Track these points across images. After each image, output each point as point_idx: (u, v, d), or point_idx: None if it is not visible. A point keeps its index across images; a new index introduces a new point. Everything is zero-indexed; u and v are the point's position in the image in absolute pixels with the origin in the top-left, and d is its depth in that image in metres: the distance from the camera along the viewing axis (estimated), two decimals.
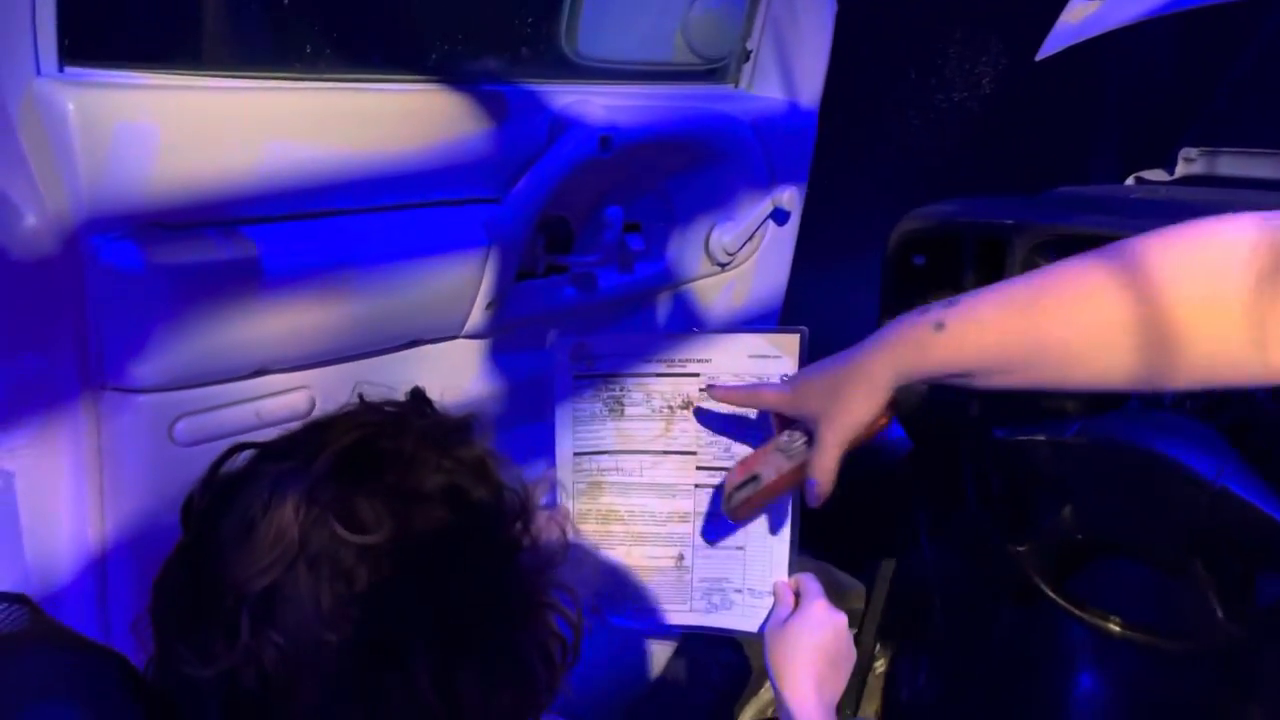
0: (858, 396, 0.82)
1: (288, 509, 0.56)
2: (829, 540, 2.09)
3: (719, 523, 1.01)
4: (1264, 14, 2.32)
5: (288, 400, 0.98)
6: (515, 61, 1.17)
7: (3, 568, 0.92)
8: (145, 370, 0.87)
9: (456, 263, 1.05)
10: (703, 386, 0.99)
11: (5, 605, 0.62)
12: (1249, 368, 0.65)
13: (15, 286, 0.82)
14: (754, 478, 0.92)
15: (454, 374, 1.13)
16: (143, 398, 0.88)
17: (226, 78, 0.91)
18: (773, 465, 0.91)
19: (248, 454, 0.64)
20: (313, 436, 0.62)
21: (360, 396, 0.67)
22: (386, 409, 0.65)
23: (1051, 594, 1.33)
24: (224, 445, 0.81)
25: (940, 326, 0.78)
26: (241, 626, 0.55)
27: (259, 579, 0.55)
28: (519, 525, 0.63)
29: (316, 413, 1.01)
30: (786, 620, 0.94)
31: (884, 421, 0.87)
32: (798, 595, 0.97)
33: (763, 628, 0.97)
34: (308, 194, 0.95)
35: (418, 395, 0.68)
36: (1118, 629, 1.29)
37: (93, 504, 0.90)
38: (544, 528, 0.66)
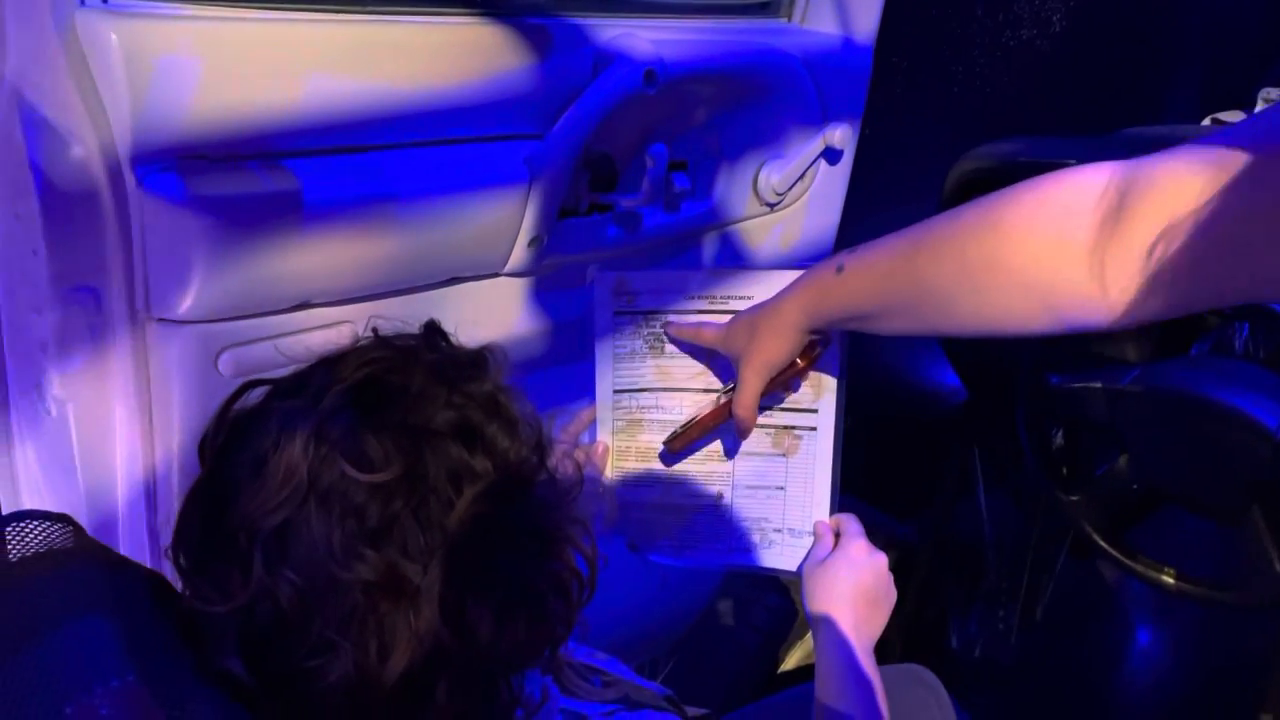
0: (771, 336, 0.88)
1: (296, 447, 0.56)
2: (880, 487, 2.08)
3: (759, 462, 1.00)
4: None
5: (331, 334, 0.99)
6: None
7: (59, 491, 0.95)
8: (189, 302, 0.88)
9: (498, 199, 1.04)
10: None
11: (51, 524, 0.64)
12: (1095, 308, 0.66)
13: (64, 216, 0.84)
14: (695, 417, 0.98)
15: (496, 311, 1.13)
16: (188, 329, 0.90)
17: (268, 9, 0.90)
18: (711, 404, 0.98)
19: (260, 390, 0.64)
20: (322, 373, 0.62)
21: (374, 330, 0.66)
22: (397, 343, 0.64)
23: (1104, 545, 1.30)
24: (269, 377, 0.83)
25: (840, 270, 0.82)
26: (255, 563, 0.56)
27: (271, 517, 0.56)
28: (534, 459, 0.63)
29: None
30: (825, 559, 0.93)
31: (803, 363, 0.92)
32: (838, 535, 0.96)
33: (801, 566, 0.97)
34: (349, 127, 0.95)
35: (431, 328, 0.68)
36: (1171, 581, 1.26)
37: (142, 433, 0.93)
38: (559, 462, 0.65)
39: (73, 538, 0.64)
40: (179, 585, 0.64)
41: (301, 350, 0.96)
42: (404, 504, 0.56)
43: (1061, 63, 2.31)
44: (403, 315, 1.04)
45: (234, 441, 0.61)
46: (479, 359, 0.65)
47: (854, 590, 0.90)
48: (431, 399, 0.60)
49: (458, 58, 1.00)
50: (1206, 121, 2.04)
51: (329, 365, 0.62)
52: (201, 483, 0.62)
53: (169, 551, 0.64)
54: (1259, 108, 2.01)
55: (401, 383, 0.60)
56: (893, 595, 0.93)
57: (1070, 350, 1.38)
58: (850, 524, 0.96)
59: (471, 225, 1.04)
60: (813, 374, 0.98)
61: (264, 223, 0.90)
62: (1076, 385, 1.27)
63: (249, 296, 0.92)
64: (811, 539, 0.99)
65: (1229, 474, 1.18)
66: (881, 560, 0.92)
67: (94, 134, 0.82)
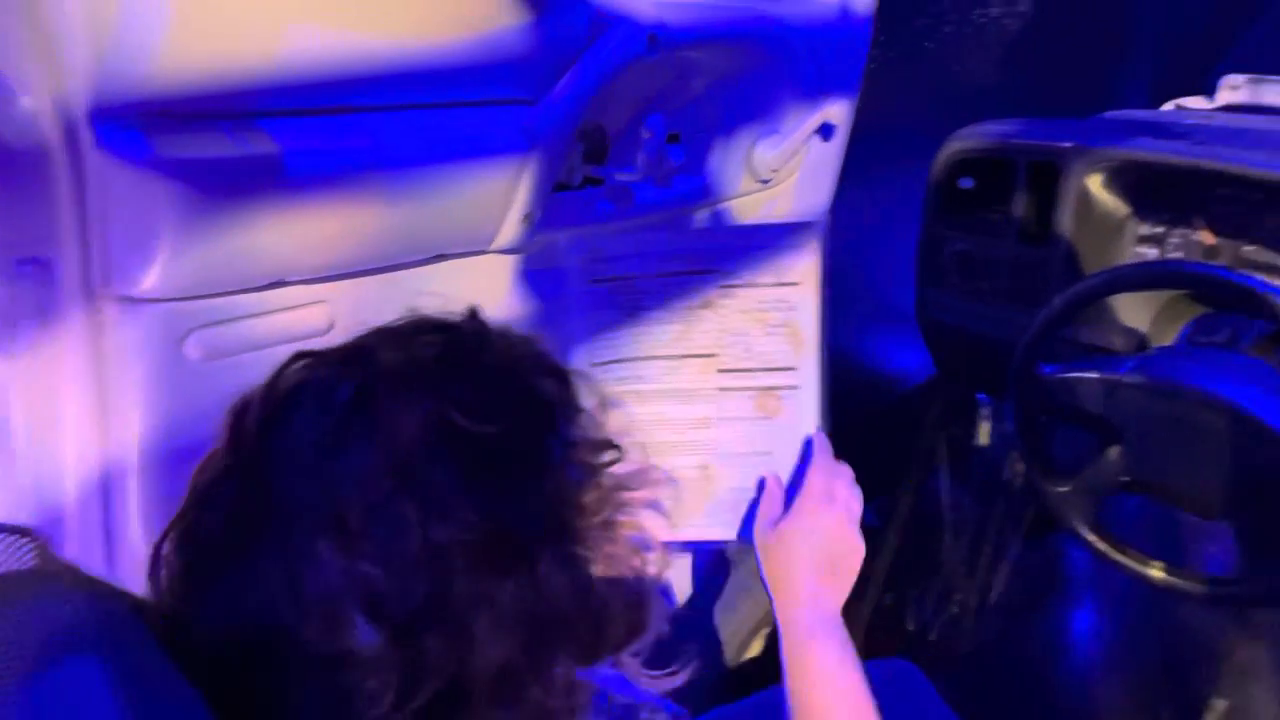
0: None
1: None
2: None
3: (742, 427, 0.95)
4: None
5: (305, 314, 0.91)
6: None
7: (2, 485, 0.84)
8: (153, 277, 0.79)
9: (492, 169, 0.96)
10: (722, 284, 0.92)
11: (6, 537, 0.55)
12: None
13: (10, 178, 0.74)
14: None
15: (482, 291, 1.05)
16: (151, 308, 0.80)
17: None
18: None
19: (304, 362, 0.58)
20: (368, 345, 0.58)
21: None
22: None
23: (1092, 538, 1.28)
24: (238, 362, 0.74)
25: None
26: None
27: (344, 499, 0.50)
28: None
29: (335, 332, 0.94)
30: (779, 522, 0.86)
31: None
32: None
33: (745, 533, 0.91)
34: (331, 86, 0.86)
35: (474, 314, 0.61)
36: (1160, 574, 1.24)
37: (96, 422, 0.83)
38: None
39: (34, 555, 0.55)
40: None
41: (305, 329, 0.88)
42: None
43: (1026, 42, 2.30)
44: (383, 295, 0.96)
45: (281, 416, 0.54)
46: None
47: (814, 554, 0.83)
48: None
49: (449, 11, 0.90)
50: (1170, 106, 2.04)
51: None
52: (235, 467, 0.54)
53: (153, 573, 0.55)
54: (1221, 95, 2.02)
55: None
56: (860, 548, 0.85)
57: (1057, 338, 1.35)
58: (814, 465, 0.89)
59: (461, 198, 0.95)
60: (789, 329, 0.93)
61: (237, 190, 0.80)
62: (1071, 375, 1.24)
63: (220, 272, 0.82)
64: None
65: (1224, 468, 1.16)
66: (839, 512, 0.85)
67: (47, 83, 0.71)
